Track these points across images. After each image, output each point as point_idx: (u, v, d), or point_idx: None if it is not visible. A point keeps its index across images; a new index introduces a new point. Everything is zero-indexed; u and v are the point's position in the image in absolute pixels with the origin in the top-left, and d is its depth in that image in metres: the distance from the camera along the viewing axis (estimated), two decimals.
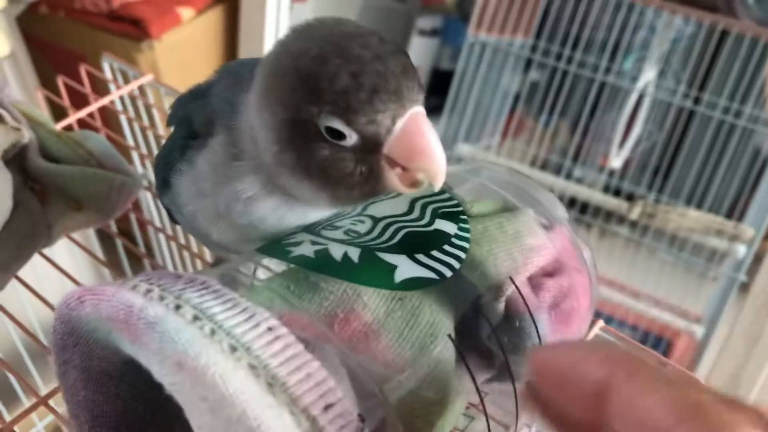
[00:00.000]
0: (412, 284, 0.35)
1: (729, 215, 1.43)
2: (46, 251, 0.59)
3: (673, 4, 1.36)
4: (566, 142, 1.61)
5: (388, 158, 0.35)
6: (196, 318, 0.27)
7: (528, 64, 1.57)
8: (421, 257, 0.36)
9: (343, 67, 0.32)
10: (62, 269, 0.58)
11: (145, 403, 0.36)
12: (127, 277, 0.64)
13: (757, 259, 1.28)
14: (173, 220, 0.49)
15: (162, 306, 0.28)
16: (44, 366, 0.82)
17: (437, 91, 1.68)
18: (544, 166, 1.60)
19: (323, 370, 0.28)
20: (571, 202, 1.52)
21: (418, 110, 0.34)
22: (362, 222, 0.39)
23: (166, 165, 0.44)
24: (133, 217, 0.75)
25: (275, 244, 0.37)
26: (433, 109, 1.80)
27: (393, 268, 0.35)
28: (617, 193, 1.57)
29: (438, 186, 0.35)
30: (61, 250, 0.63)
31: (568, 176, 1.56)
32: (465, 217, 0.39)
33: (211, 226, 0.42)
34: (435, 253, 0.37)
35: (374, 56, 0.33)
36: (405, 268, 0.35)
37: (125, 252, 0.80)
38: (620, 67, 1.47)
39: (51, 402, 0.46)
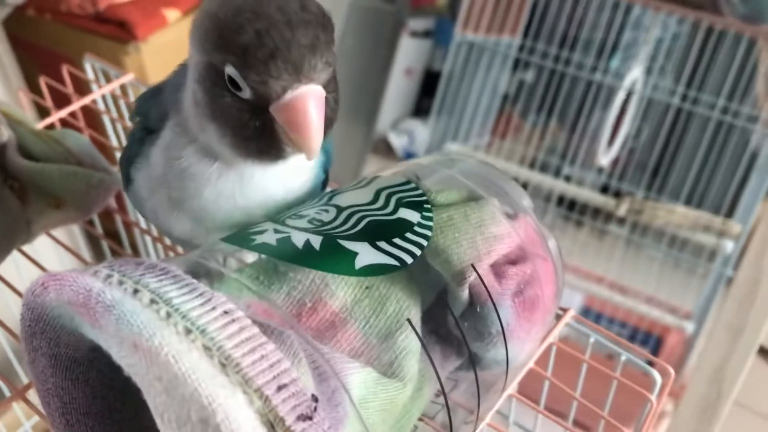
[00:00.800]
0: (373, 270, 0.36)
1: (717, 211, 1.44)
2: (30, 252, 0.60)
3: (658, 2, 1.36)
4: (555, 140, 1.62)
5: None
6: (152, 301, 0.28)
7: (516, 63, 1.58)
8: (382, 244, 0.37)
9: (251, 23, 0.33)
10: (47, 270, 0.58)
11: (115, 390, 0.37)
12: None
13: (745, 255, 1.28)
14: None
15: (120, 290, 0.29)
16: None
17: (431, 93, 1.68)
18: (532, 165, 1.60)
19: (278, 353, 0.28)
20: (559, 200, 1.53)
21: (314, 88, 0.35)
22: (326, 211, 0.39)
23: (127, 161, 0.44)
24: (118, 218, 0.75)
25: (240, 233, 0.38)
26: (426, 111, 1.80)
27: (354, 254, 0.36)
28: (605, 190, 1.58)
29: (310, 158, 0.36)
30: (49, 252, 0.63)
31: (557, 174, 1.57)
32: (429, 206, 0.40)
33: (169, 218, 0.43)
34: (397, 240, 0.37)
35: (286, 21, 0.33)
36: (366, 254, 0.36)
37: (111, 254, 0.81)
38: (607, 65, 1.48)
39: (29, 396, 0.47)
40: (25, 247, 0.59)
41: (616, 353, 0.49)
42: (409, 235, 0.38)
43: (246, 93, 0.35)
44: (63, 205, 0.59)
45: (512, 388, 0.46)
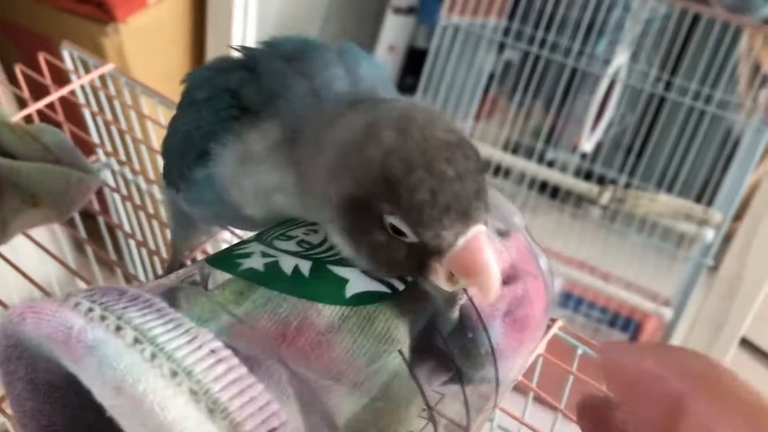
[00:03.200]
0: (364, 299, 0.35)
1: (699, 199, 1.45)
2: (10, 255, 0.58)
3: None
4: (540, 122, 1.61)
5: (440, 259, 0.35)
6: (136, 341, 0.27)
7: (503, 44, 1.56)
8: None
9: (425, 182, 0.33)
10: (28, 276, 0.57)
11: (95, 410, 0.36)
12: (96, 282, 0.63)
13: (726, 243, 1.29)
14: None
15: (102, 327, 0.27)
16: None
17: (413, 71, 1.66)
18: (516, 150, 1.60)
19: (266, 393, 0.28)
20: (542, 186, 1.53)
21: (480, 229, 0.34)
22: (315, 231, 0.38)
23: (207, 135, 0.41)
24: (101, 220, 0.74)
25: (227, 255, 0.37)
26: (409, 89, 1.79)
27: (344, 282, 0.35)
28: (589, 175, 1.58)
29: (491, 300, 0.35)
30: (29, 253, 0.62)
31: (540, 159, 1.56)
32: None
33: (247, 203, 0.41)
34: None
35: (456, 175, 0.33)
36: (356, 281, 0.35)
37: (95, 258, 0.79)
38: (593, 50, 1.47)
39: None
40: (4, 249, 0.58)
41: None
42: None
43: (411, 239, 0.34)
44: (40, 204, 0.57)
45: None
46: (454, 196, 0.33)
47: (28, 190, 0.56)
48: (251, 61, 0.41)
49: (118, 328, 0.27)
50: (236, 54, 0.43)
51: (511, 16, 1.50)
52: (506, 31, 1.51)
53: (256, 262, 0.35)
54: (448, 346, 0.40)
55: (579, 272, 1.51)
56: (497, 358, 0.39)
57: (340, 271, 0.36)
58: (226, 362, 0.28)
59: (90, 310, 0.28)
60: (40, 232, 0.62)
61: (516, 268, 0.40)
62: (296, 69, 0.39)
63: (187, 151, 0.43)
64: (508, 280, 0.40)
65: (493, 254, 0.35)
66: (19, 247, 0.59)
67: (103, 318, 0.28)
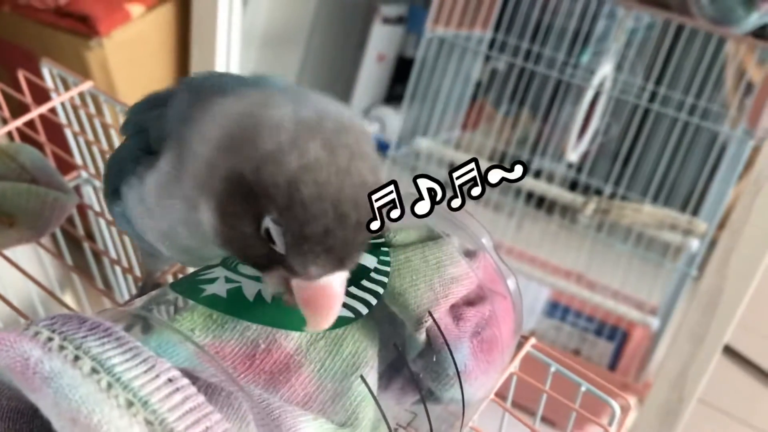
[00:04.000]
0: None
1: (684, 208, 1.45)
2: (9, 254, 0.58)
3: (630, 2, 1.36)
4: (527, 130, 1.61)
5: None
6: (93, 370, 0.27)
7: (488, 57, 1.57)
8: None
9: (325, 218, 0.32)
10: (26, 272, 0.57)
11: None
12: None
13: (711, 252, 1.30)
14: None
15: (60, 357, 0.28)
16: None
17: (403, 79, 1.67)
18: (502, 160, 1.60)
19: (224, 423, 0.28)
20: (528, 195, 1.53)
21: (342, 276, 0.34)
22: None
23: (119, 174, 0.43)
24: (86, 246, 0.73)
25: (190, 281, 0.37)
26: (398, 98, 1.79)
27: None
28: (575, 185, 1.58)
29: (311, 330, 0.36)
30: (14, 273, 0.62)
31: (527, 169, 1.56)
32: (386, 249, 0.39)
33: (159, 243, 0.42)
34: (352, 289, 0.37)
35: (356, 223, 0.32)
36: None
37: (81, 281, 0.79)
38: (577, 61, 1.48)
39: None
40: None
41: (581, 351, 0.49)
42: (365, 282, 0.37)
43: (276, 248, 0.33)
44: (16, 224, 0.57)
45: (472, 421, 0.46)
46: (342, 243, 0.32)
47: (3, 210, 0.57)
48: (166, 97, 0.41)
49: (76, 358, 0.28)
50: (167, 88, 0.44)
51: (497, 28, 1.51)
52: (491, 43, 1.51)
53: (219, 288, 0.36)
54: (415, 367, 0.40)
55: (565, 281, 1.51)
56: (465, 379, 0.40)
57: None
58: (183, 391, 0.28)
59: (49, 339, 0.29)
60: (23, 253, 0.62)
61: (483, 289, 0.41)
62: (192, 104, 0.38)
63: (106, 186, 0.45)
64: (475, 301, 0.40)
65: (340, 300, 0.34)
66: (2, 266, 0.59)
67: (61, 348, 0.28)
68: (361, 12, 1.88)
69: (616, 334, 1.54)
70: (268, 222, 0.32)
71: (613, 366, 1.52)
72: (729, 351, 1.40)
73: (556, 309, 1.57)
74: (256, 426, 0.31)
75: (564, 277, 1.53)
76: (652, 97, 1.43)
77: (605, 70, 1.48)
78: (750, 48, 1.36)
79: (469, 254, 0.41)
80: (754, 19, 1.28)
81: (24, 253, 0.62)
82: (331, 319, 0.34)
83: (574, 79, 1.46)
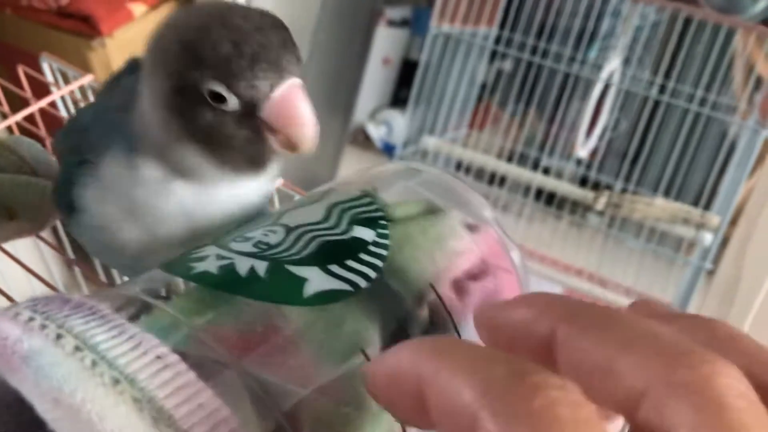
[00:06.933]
0: (324, 298, 0.34)
1: (696, 202, 1.43)
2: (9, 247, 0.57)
3: None
4: (534, 130, 1.60)
5: (267, 123, 0.37)
6: (77, 348, 0.26)
7: (494, 52, 1.56)
8: (334, 268, 0.35)
9: (225, 36, 0.34)
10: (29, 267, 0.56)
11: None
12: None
13: (725, 246, 1.28)
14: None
15: (41, 336, 0.26)
16: None
17: (409, 82, 1.66)
18: (510, 158, 1.59)
19: (216, 399, 0.26)
20: (538, 193, 1.52)
21: (295, 81, 0.36)
22: (274, 232, 0.37)
23: (67, 188, 0.43)
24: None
25: (180, 260, 0.36)
26: (404, 101, 1.78)
27: (303, 281, 0.34)
28: (585, 182, 1.56)
29: (306, 150, 0.37)
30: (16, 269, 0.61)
31: (536, 167, 1.55)
32: (385, 222, 0.38)
33: (122, 233, 0.41)
34: (350, 262, 0.35)
35: (255, 28, 0.35)
36: (316, 280, 0.34)
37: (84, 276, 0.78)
38: (585, 56, 1.46)
39: None
40: None
41: None
42: (363, 255, 0.36)
43: (232, 104, 0.36)
44: (16, 217, 0.56)
45: None
46: (259, 45, 0.35)
47: (3, 203, 0.56)
48: (76, 116, 0.47)
49: (59, 336, 0.26)
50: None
51: (502, 24, 1.49)
52: (497, 40, 1.50)
53: (210, 265, 0.34)
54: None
55: (578, 279, 1.50)
56: None
57: (299, 270, 0.34)
58: (172, 368, 0.26)
59: (31, 319, 0.27)
60: (25, 248, 0.61)
61: (487, 263, 0.39)
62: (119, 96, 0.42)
63: (60, 205, 0.46)
64: (479, 275, 0.39)
65: (308, 105, 0.36)
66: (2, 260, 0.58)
67: (43, 327, 0.27)
68: (365, 15, 1.88)
69: None
70: (204, 87, 0.35)
71: None
72: None
73: None
74: (251, 405, 0.30)
75: (576, 275, 1.51)
76: (661, 90, 1.42)
77: (613, 64, 1.46)
78: (759, 41, 1.34)
79: (471, 228, 0.40)
80: (762, 7, 1.27)
81: (25, 247, 0.61)
82: (308, 126, 0.36)
83: (582, 73, 1.45)
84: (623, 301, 1.44)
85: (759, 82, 1.36)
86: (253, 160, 0.39)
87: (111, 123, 0.42)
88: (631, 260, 1.48)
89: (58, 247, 0.67)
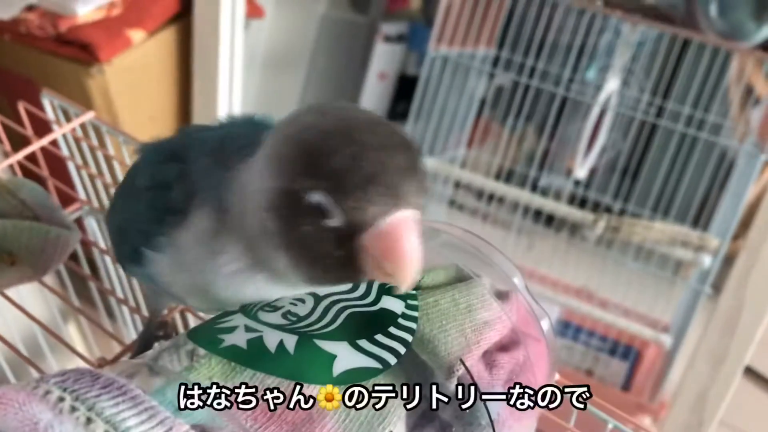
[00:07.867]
0: (353, 376, 0.33)
1: (695, 224, 1.43)
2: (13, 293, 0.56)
3: (635, 17, 1.35)
4: (533, 146, 1.60)
5: (367, 248, 0.33)
6: None
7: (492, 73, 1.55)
8: (363, 343, 0.34)
9: (345, 147, 0.31)
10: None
11: None
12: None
13: (723, 268, 1.27)
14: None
15: (71, 420, 0.26)
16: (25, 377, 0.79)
17: (405, 97, 1.66)
18: (509, 178, 1.58)
19: None
20: (537, 213, 1.51)
21: (410, 213, 0.32)
22: (303, 302, 0.36)
23: (140, 235, 0.41)
24: (92, 285, 0.71)
25: (209, 329, 0.35)
26: (400, 115, 1.78)
27: (332, 358, 0.33)
28: (583, 202, 1.56)
29: (404, 290, 0.33)
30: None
31: (534, 187, 1.54)
32: (414, 292, 0.37)
33: (189, 296, 0.41)
34: (379, 337, 0.34)
35: (380, 145, 0.32)
36: (345, 357, 0.33)
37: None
38: (583, 77, 1.46)
39: None
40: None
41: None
42: (392, 329, 0.35)
43: (337, 221, 0.32)
44: (18, 263, 0.55)
45: None
46: (380, 165, 0.31)
47: (4, 248, 0.55)
48: (184, 153, 0.41)
49: (89, 421, 0.26)
50: (175, 138, 0.43)
51: (501, 44, 1.49)
52: (496, 61, 1.50)
53: (239, 338, 0.33)
54: (446, 416, 0.38)
55: (576, 300, 1.49)
56: (498, 428, 0.37)
57: (328, 345, 0.34)
58: None
59: (60, 399, 0.27)
60: (27, 290, 0.60)
61: (517, 333, 0.38)
62: (217, 161, 0.38)
63: (121, 243, 0.44)
64: (509, 345, 0.38)
65: (416, 244, 0.33)
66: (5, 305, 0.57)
67: (73, 409, 0.26)
68: (363, 31, 1.88)
69: (629, 353, 1.51)
70: (310, 199, 0.32)
71: (626, 386, 1.49)
72: (750, 372, 1.37)
73: (568, 328, 1.54)
74: None
75: (575, 296, 1.50)
76: (659, 112, 1.42)
77: (611, 85, 1.46)
78: (758, 63, 1.34)
79: (501, 295, 0.39)
80: (765, 33, 1.27)
81: (28, 291, 0.60)
82: (411, 269, 0.32)
83: (581, 96, 1.45)
84: (622, 323, 1.44)
85: (757, 103, 1.36)
86: (341, 279, 0.35)
87: (208, 173, 0.38)
88: (631, 281, 1.48)
89: (62, 294, 0.66)
